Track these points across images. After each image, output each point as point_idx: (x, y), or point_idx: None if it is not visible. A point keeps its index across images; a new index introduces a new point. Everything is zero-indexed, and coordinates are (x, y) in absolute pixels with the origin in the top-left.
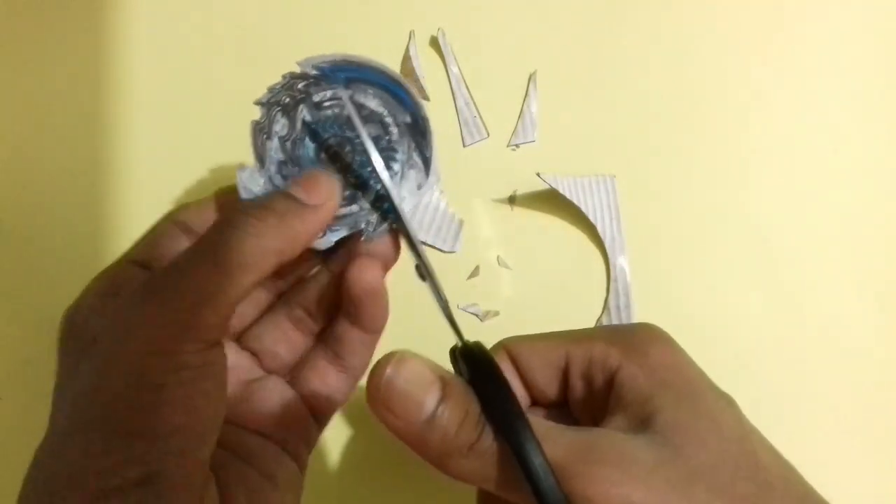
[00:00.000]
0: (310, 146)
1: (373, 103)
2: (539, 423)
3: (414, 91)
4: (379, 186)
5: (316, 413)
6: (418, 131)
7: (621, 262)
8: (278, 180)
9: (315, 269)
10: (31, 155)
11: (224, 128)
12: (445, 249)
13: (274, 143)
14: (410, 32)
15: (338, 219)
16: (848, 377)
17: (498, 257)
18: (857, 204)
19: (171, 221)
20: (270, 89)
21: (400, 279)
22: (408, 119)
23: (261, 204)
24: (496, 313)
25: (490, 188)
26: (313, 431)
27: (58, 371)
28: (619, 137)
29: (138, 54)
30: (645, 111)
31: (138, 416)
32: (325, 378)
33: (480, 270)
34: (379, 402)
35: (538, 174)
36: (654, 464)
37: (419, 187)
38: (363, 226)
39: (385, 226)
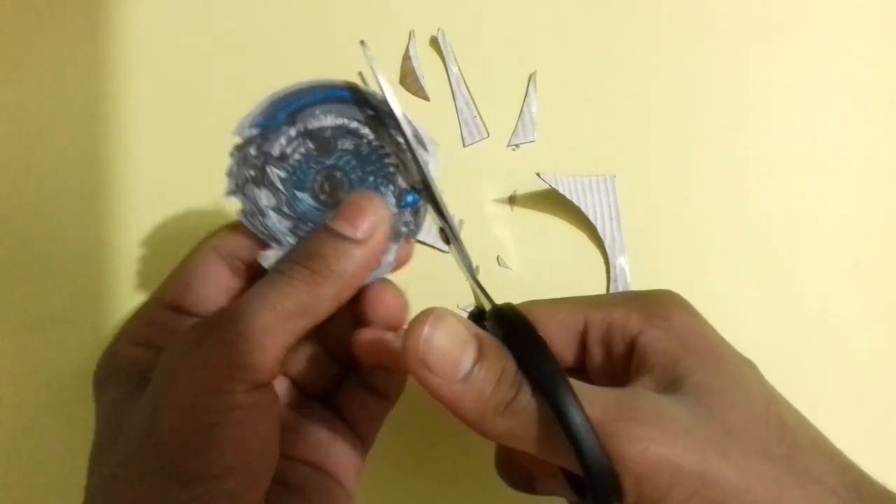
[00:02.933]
0: (304, 198)
1: (328, 120)
2: (573, 381)
3: (352, 81)
4: (392, 187)
5: (360, 434)
6: (387, 115)
7: (621, 262)
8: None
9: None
10: (31, 156)
11: (226, 128)
12: (445, 249)
13: (272, 218)
14: (410, 32)
15: None
16: (850, 376)
17: (498, 257)
18: (857, 204)
19: (203, 254)
20: (229, 174)
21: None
22: (370, 112)
23: (308, 250)
24: None
25: (490, 188)
26: (359, 453)
27: (100, 416)
28: (619, 137)
29: (138, 54)
30: (645, 111)
31: (192, 459)
32: (362, 402)
33: (480, 270)
34: (416, 360)
35: (538, 174)
36: (691, 423)
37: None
38: (404, 230)
39: (421, 216)
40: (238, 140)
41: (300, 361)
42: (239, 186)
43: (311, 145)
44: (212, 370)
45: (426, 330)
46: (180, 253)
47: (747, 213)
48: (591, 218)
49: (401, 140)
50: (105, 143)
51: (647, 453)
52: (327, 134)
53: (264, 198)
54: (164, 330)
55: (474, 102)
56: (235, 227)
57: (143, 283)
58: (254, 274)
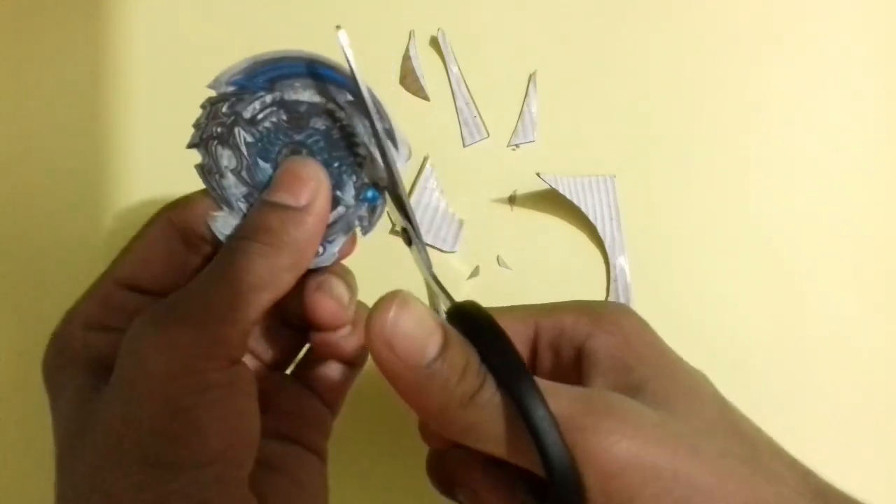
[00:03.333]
0: (265, 167)
1: (306, 95)
2: (540, 380)
3: (342, 64)
4: (355, 178)
5: (327, 401)
6: (366, 104)
7: (621, 262)
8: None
9: None
10: (30, 155)
11: None
12: (445, 249)
13: (230, 179)
14: (410, 32)
15: (329, 227)
16: (850, 377)
17: (498, 257)
18: (857, 203)
19: (158, 228)
20: (196, 125)
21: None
22: (348, 97)
23: (255, 225)
24: None
25: (490, 188)
26: (328, 420)
27: (59, 410)
28: (619, 137)
29: (138, 54)
30: (645, 111)
31: (175, 447)
32: (328, 370)
33: (480, 270)
34: (381, 342)
35: (538, 174)
36: (659, 421)
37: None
38: (357, 225)
39: (377, 214)
40: (212, 93)
41: (258, 335)
42: (203, 140)
43: (283, 116)
44: (181, 351)
45: (392, 313)
46: None
47: (747, 213)
48: (591, 218)
49: (371, 129)
50: (106, 142)
51: (616, 448)
52: (302, 109)
53: (226, 158)
54: (120, 311)
55: (474, 102)
56: (190, 200)
57: None
58: (212, 250)
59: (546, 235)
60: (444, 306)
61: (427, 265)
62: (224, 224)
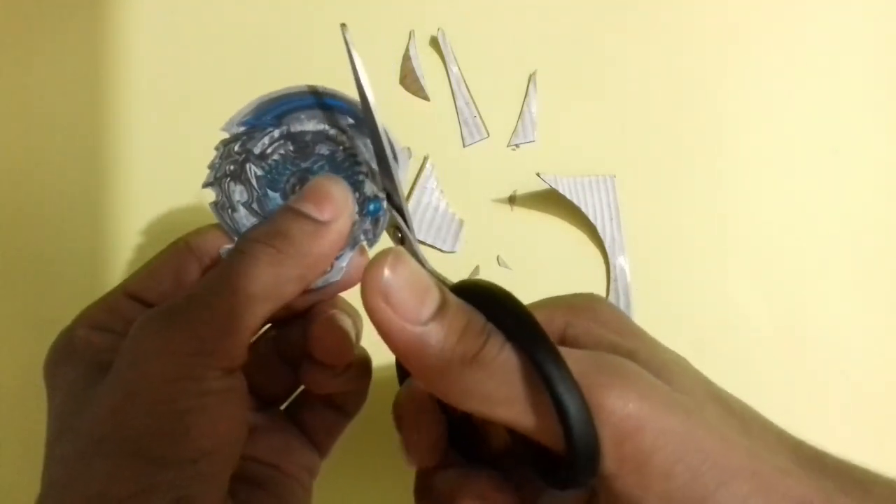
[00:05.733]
0: (274, 197)
1: (310, 125)
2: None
3: (339, 91)
4: (357, 195)
5: (316, 444)
6: (365, 123)
7: (621, 262)
8: None
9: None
10: (32, 157)
11: None
12: (445, 249)
13: (241, 212)
14: (410, 32)
15: None
16: (851, 377)
17: (498, 257)
18: (857, 204)
19: (176, 249)
20: (211, 167)
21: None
22: (350, 120)
23: (272, 229)
24: None
25: (490, 188)
26: (315, 461)
27: (55, 399)
28: (619, 137)
29: (139, 55)
30: (645, 111)
31: (165, 442)
32: (320, 414)
33: (480, 270)
34: (377, 294)
35: (538, 174)
36: (664, 387)
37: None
38: (362, 239)
39: (381, 226)
40: (225, 135)
41: (255, 365)
42: (217, 179)
43: (290, 147)
44: (182, 357)
45: (387, 267)
46: None
47: (747, 213)
48: (591, 218)
49: (372, 142)
50: (106, 148)
51: (632, 406)
52: (307, 138)
53: (238, 193)
54: (122, 318)
55: (474, 102)
56: (209, 229)
57: None
58: None
59: (546, 235)
60: None
61: (422, 259)
62: None
